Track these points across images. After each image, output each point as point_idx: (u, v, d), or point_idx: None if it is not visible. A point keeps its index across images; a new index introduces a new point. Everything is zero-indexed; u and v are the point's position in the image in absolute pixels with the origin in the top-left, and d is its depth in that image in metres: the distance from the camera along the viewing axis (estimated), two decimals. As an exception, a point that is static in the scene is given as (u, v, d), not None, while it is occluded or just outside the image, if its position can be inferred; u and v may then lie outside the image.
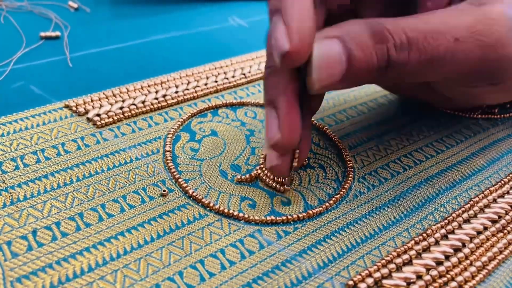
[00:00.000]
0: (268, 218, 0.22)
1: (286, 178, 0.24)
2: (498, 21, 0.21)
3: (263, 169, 0.25)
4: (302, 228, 0.22)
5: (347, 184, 0.25)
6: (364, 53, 0.19)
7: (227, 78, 0.32)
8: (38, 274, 0.19)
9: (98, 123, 0.27)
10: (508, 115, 0.31)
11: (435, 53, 0.20)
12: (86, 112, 0.28)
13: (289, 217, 0.22)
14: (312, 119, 0.29)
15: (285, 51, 0.19)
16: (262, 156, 0.26)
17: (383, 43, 0.20)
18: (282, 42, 0.19)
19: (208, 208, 0.23)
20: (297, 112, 0.21)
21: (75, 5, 0.41)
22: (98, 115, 0.27)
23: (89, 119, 0.27)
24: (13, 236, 0.20)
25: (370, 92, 0.33)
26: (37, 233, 0.20)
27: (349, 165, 0.26)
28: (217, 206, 0.23)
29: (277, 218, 0.22)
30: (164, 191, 0.23)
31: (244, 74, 0.33)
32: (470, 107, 0.32)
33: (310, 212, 0.23)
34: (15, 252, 0.19)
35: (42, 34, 0.36)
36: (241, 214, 0.22)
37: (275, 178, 0.24)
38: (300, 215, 0.23)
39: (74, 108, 0.28)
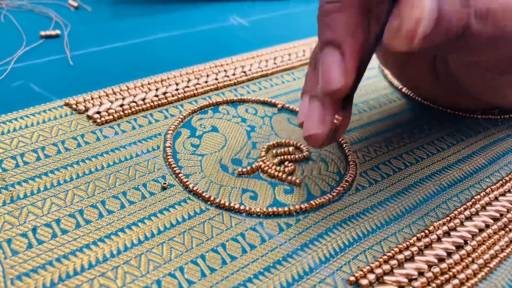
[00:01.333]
0: (270, 209, 0.22)
1: (297, 181, 0.24)
2: None
3: (265, 160, 0.25)
4: (304, 220, 0.22)
5: (349, 178, 0.24)
6: (451, 13, 0.19)
7: (227, 76, 0.32)
8: (38, 271, 0.19)
9: (98, 120, 0.27)
10: (508, 116, 0.31)
11: (507, 30, 0.20)
12: (86, 109, 0.28)
13: (291, 208, 0.22)
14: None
15: (338, 88, 0.19)
16: (263, 149, 0.26)
17: (467, 7, 0.19)
18: (336, 78, 0.19)
19: (209, 202, 0.22)
20: (359, 63, 0.20)
21: (75, 4, 0.41)
22: (98, 112, 0.27)
23: (89, 117, 0.27)
24: (13, 234, 0.20)
25: (371, 90, 0.33)
26: (37, 231, 0.20)
27: (351, 160, 0.26)
28: (218, 200, 0.22)
29: (279, 209, 0.22)
30: (164, 183, 0.23)
31: (244, 72, 0.33)
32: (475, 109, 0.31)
33: (313, 203, 0.23)
34: (15, 249, 0.19)
35: (42, 33, 0.36)
36: (242, 207, 0.22)
37: (278, 168, 0.24)
38: (303, 206, 0.22)
39: (74, 106, 0.28)
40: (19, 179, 0.23)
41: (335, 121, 0.21)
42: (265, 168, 0.24)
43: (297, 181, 0.24)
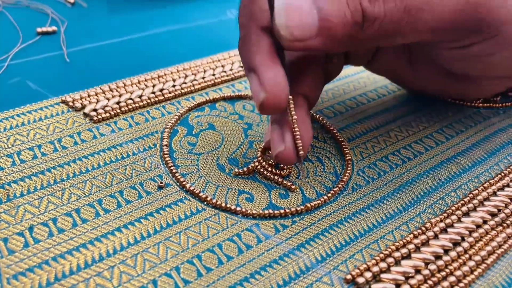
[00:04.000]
0: (266, 211, 0.22)
1: (292, 187, 0.23)
2: None
3: (261, 161, 0.25)
4: (300, 221, 0.22)
5: (345, 178, 0.24)
6: (335, 6, 0.19)
7: (224, 72, 0.32)
8: (34, 270, 0.19)
9: (95, 118, 0.27)
10: (510, 103, 0.31)
11: (411, 4, 0.20)
12: (83, 107, 0.28)
13: (287, 210, 0.22)
14: (314, 113, 0.29)
15: (261, 102, 0.20)
16: (259, 149, 0.26)
17: None
18: (258, 94, 0.20)
19: (205, 203, 0.22)
20: (278, 67, 0.20)
21: (72, 0, 0.41)
22: (95, 110, 0.27)
23: (85, 114, 0.27)
24: (9, 233, 0.20)
25: (370, 82, 0.33)
26: (33, 230, 0.20)
27: (348, 158, 0.26)
28: (214, 200, 0.22)
29: (275, 212, 0.22)
30: (161, 183, 0.23)
31: (242, 67, 0.32)
32: (481, 96, 0.31)
33: (308, 205, 0.23)
34: (11, 249, 0.19)
35: (39, 29, 0.35)
36: (238, 208, 0.22)
37: (274, 170, 0.24)
38: (298, 208, 0.22)
39: (70, 104, 0.28)
40: (16, 178, 0.23)
41: (293, 127, 0.22)
42: (261, 170, 0.24)
43: (292, 187, 0.24)
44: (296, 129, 0.22)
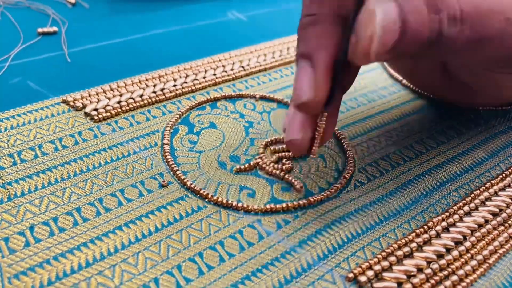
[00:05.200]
0: (268, 206, 0.22)
1: (298, 186, 0.23)
2: None
3: (263, 158, 0.25)
4: (302, 216, 0.22)
5: (347, 174, 0.24)
6: (418, 22, 0.18)
7: (225, 71, 0.32)
8: (35, 270, 0.19)
9: (96, 117, 0.27)
10: (509, 107, 0.31)
11: (486, 33, 0.19)
12: (84, 106, 0.28)
13: (289, 204, 0.22)
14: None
15: (307, 101, 0.20)
16: (261, 146, 0.26)
17: (436, 13, 0.18)
18: (306, 91, 0.20)
19: (206, 200, 0.22)
20: (331, 74, 0.20)
21: (73, 1, 0.41)
22: (96, 109, 0.27)
23: (86, 114, 0.27)
24: (10, 232, 0.20)
25: (370, 83, 0.33)
26: (34, 229, 0.20)
27: (350, 155, 0.26)
28: (215, 197, 0.22)
29: (277, 206, 0.22)
30: (163, 181, 0.23)
31: (243, 67, 0.33)
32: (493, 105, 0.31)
33: (311, 199, 0.22)
34: (12, 248, 0.19)
35: (40, 30, 0.35)
36: (240, 204, 0.22)
37: (276, 166, 0.24)
38: (301, 202, 0.22)
39: (71, 103, 0.28)
40: (17, 177, 0.22)
41: (318, 127, 0.21)
42: (263, 166, 0.24)
43: (298, 186, 0.23)
44: (323, 125, 0.21)
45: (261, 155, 0.25)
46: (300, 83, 0.20)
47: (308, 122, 0.21)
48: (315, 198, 0.23)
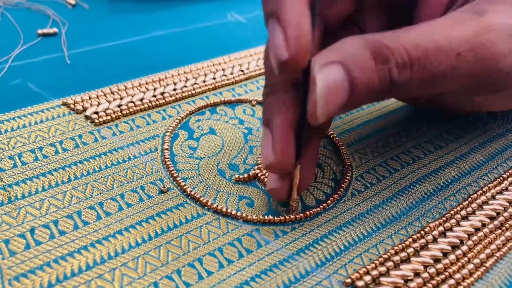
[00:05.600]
0: (266, 217, 0.22)
1: (292, 204, 0.23)
2: (499, 32, 0.20)
3: (261, 168, 0.25)
4: (300, 228, 0.22)
5: (344, 183, 0.25)
6: (367, 77, 0.18)
7: (225, 75, 0.32)
8: (36, 272, 0.19)
9: (96, 121, 0.27)
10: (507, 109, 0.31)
11: (437, 71, 0.19)
12: (84, 109, 0.28)
13: (286, 217, 0.22)
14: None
15: (284, 59, 0.18)
16: (260, 156, 0.26)
17: (384, 63, 0.19)
18: (281, 50, 0.18)
19: (206, 207, 0.23)
20: (292, 136, 0.21)
21: (73, 2, 0.41)
22: (96, 113, 0.27)
23: (87, 117, 0.27)
24: (11, 235, 0.20)
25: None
26: (35, 232, 0.20)
27: (347, 163, 0.26)
28: (215, 205, 0.23)
29: (275, 218, 0.22)
30: (163, 187, 0.23)
31: (242, 71, 0.33)
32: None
33: (308, 212, 0.23)
34: (13, 250, 0.19)
35: (40, 31, 0.35)
36: (239, 213, 0.22)
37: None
38: (298, 216, 0.22)
39: (72, 106, 0.28)
40: (17, 180, 0.23)
41: (292, 178, 0.22)
42: (261, 177, 0.24)
43: (294, 205, 0.23)
44: (297, 176, 0.22)
45: (260, 165, 0.25)
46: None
47: (284, 173, 0.22)
48: (312, 211, 0.23)
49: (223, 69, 0.33)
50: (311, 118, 0.19)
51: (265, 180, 0.24)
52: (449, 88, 0.21)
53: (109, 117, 0.27)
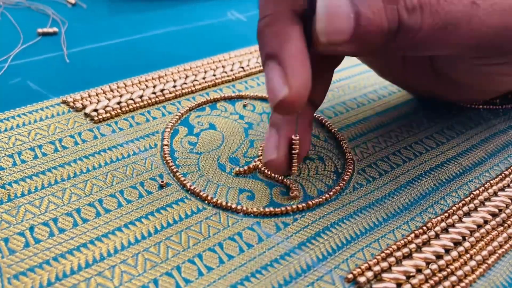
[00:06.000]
0: (267, 209, 0.22)
1: (294, 193, 0.23)
2: None
3: (262, 160, 0.25)
4: (302, 219, 0.22)
5: (346, 176, 0.24)
6: (373, 12, 0.18)
7: (225, 72, 0.32)
8: (35, 270, 0.19)
9: (96, 118, 0.27)
10: (510, 105, 0.31)
11: (449, 18, 0.18)
12: (84, 107, 0.28)
13: (288, 208, 0.22)
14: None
15: (283, 97, 0.18)
16: (261, 148, 0.26)
17: (393, 3, 0.18)
18: (278, 88, 0.18)
19: (206, 202, 0.22)
20: (307, 63, 0.19)
21: (73, 1, 0.41)
22: (96, 110, 0.27)
23: (86, 115, 0.27)
24: (10, 233, 0.20)
25: (370, 83, 0.33)
26: (34, 230, 0.20)
27: (349, 157, 0.26)
28: (215, 199, 0.22)
29: (276, 210, 0.22)
30: (162, 181, 0.23)
31: (242, 68, 0.33)
32: (481, 100, 0.31)
33: (310, 202, 0.23)
34: (12, 248, 0.19)
35: (40, 30, 0.35)
36: (239, 207, 0.22)
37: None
38: (300, 206, 0.22)
39: (71, 104, 0.28)
40: (17, 178, 0.23)
41: (293, 141, 0.21)
42: (262, 169, 0.24)
43: (293, 193, 0.23)
44: (297, 141, 0.21)
45: (260, 157, 0.25)
46: (272, 83, 0.19)
47: (282, 142, 0.21)
48: (313, 202, 0.23)
49: (223, 66, 0.32)
50: (315, 42, 0.19)
51: (266, 171, 0.24)
52: (462, 43, 0.20)
53: (108, 115, 0.27)
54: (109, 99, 0.28)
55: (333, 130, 0.28)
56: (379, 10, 0.18)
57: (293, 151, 0.21)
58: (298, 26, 0.19)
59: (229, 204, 0.22)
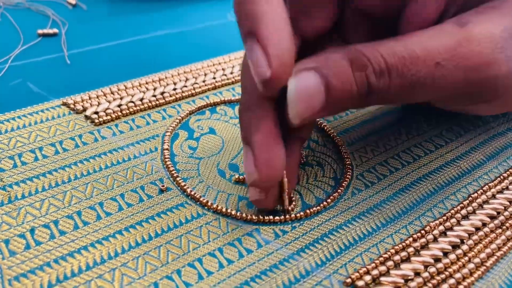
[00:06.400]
0: (266, 217, 0.22)
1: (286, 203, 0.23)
2: (482, 42, 0.20)
3: None
4: (300, 227, 0.22)
5: (345, 182, 0.24)
6: (343, 82, 0.19)
7: (225, 75, 0.32)
8: (36, 272, 0.19)
9: (96, 121, 0.27)
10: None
11: (415, 79, 0.20)
12: (84, 109, 0.28)
13: (286, 216, 0.22)
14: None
15: (267, 78, 0.19)
16: None
17: (361, 70, 0.19)
18: (262, 69, 0.19)
19: (206, 207, 0.23)
20: (276, 148, 0.20)
21: (73, 2, 0.41)
22: (96, 112, 0.27)
23: (87, 117, 0.27)
24: (11, 235, 0.20)
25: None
26: (35, 232, 0.20)
27: (347, 162, 0.26)
28: (215, 205, 0.22)
29: (275, 218, 0.22)
30: (162, 186, 0.23)
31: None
32: None
33: (308, 211, 0.23)
34: (13, 250, 0.19)
35: (40, 31, 0.35)
36: (239, 213, 0.22)
37: None
38: (298, 215, 0.22)
39: (72, 106, 0.28)
40: (17, 180, 0.23)
41: (282, 184, 0.22)
42: None
43: (288, 208, 0.23)
44: (285, 182, 0.22)
45: None
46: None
47: (271, 192, 0.22)
48: (312, 210, 0.23)
49: (223, 69, 0.33)
50: (289, 122, 0.20)
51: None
52: (431, 97, 0.22)
53: (109, 117, 0.27)
54: (109, 102, 0.28)
55: (332, 134, 0.28)
56: (348, 77, 0.19)
57: (282, 190, 0.22)
58: (271, 113, 0.21)
59: (229, 211, 0.22)
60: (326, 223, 0.22)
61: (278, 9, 0.19)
